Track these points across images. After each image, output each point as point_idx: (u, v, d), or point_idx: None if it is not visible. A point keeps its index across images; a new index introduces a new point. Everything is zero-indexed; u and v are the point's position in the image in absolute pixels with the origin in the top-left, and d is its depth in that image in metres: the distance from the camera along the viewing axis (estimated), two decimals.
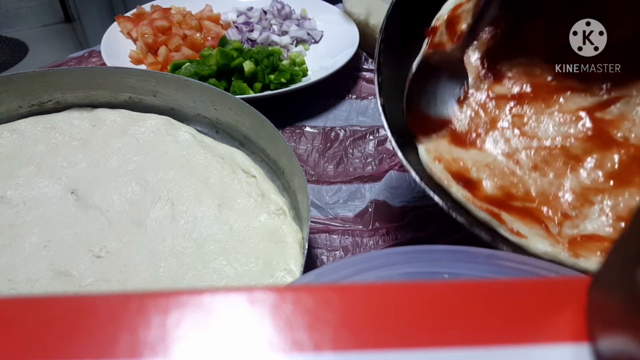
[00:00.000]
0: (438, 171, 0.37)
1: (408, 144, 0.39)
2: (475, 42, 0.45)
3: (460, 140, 0.40)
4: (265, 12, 0.81)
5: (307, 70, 0.70)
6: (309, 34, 0.79)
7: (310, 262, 0.47)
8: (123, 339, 0.14)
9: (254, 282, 0.39)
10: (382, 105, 0.39)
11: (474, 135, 0.40)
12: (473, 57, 0.44)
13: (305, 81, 0.66)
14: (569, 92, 0.41)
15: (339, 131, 0.63)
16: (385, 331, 0.15)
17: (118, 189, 0.46)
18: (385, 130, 0.38)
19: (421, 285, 0.16)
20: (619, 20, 0.41)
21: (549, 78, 0.42)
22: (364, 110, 0.67)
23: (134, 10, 0.80)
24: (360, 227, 0.51)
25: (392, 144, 0.37)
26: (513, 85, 0.42)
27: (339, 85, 0.71)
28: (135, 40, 0.75)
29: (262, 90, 0.65)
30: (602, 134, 0.38)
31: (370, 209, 0.52)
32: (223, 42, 0.70)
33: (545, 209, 0.35)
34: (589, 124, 0.39)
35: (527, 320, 0.15)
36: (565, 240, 0.33)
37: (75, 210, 0.44)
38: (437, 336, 0.15)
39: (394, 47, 0.42)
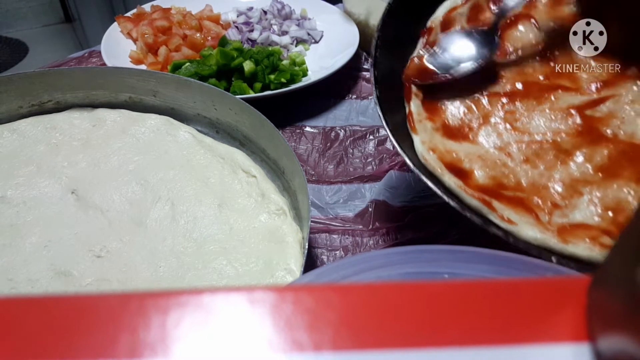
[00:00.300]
0: (432, 161, 0.38)
1: (404, 137, 0.40)
2: None
3: (454, 133, 0.41)
4: (265, 12, 0.81)
5: (307, 70, 0.70)
6: (309, 34, 0.79)
7: (311, 262, 0.47)
8: (123, 339, 0.14)
9: (254, 282, 0.39)
10: (378, 97, 0.40)
11: (467, 129, 0.41)
12: None
13: (305, 81, 0.66)
14: (560, 91, 0.42)
15: (339, 131, 0.63)
16: (385, 331, 0.15)
17: (118, 189, 0.46)
18: (380, 119, 0.39)
19: (421, 285, 0.16)
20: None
21: (541, 77, 0.43)
22: (364, 110, 0.67)
23: (134, 11, 0.80)
24: (361, 227, 0.51)
25: (386, 130, 0.38)
26: (506, 83, 0.43)
27: (339, 85, 0.71)
28: (135, 40, 0.75)
29: (262, 90, 0.65)
30: (592, 131, 0.39)
31: (370, 209, 0.52)
32: (223, 42, 0.70)
33: (535, 198, 0.36)
34: (579, 121, 0.40)
35: (527, 320, 0.15)
36: (554, 228, 0.34)
37: (75, 210, 0.44)
38: (437, 336, 0.15)
39: (390, 44, 0.43)
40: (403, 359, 0.14)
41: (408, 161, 0.36)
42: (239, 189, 0.47)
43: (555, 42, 0.44)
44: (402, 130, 0.41)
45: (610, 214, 0.34)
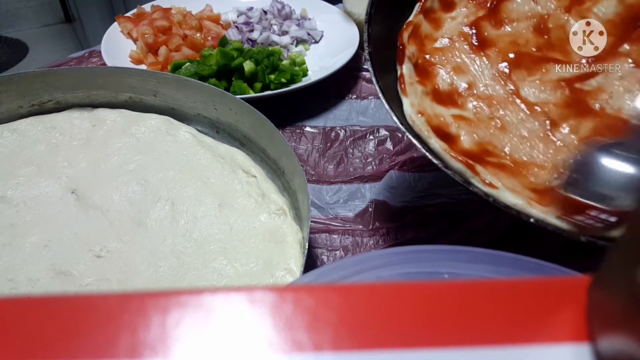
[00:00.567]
0: (419, 123, 0.39)
1: (393, 98, 0.41)
2: (464, 10, 0.46)
3: (443, 99, 0.41)
4: (265, 12, 0.81)
5: (307, 70, 0.70)
6: (309, 34, 0.79)
7: (311, 262, 0.47)
8: (123, 339, 0.14)
9: (254, 282, 0.39)
10: (370, 54, 0.40)
11: (456, 95, 0.42)
12: (462, 24, 0.46)
13: (305, 81, 0.66)
14: (551, 63, 0.42)
15: (339, 131, 0.63)
16: (385, 331, 0.15)
17: (118, 189, 0.46)
18: (371, 75, 0.39)
19: (421, 285, 0.16)
20: None
21: (534, 49, 0.44)
22: (364, 110, 0.67)
23: (135, 10, 0.80)
24: (361, 227, 0.51)
25: (376, 87, 0.39)
26: (498, 53, 0.44)
27: (339, 85, 0.71)
28: (135, 40, 0.75)
29: (262, 90, 0.65)
30: (580, 103, 0.40)
31: (370, 209, 0.52)
32: (223, 42, 0.70)
33: (519, 165, 0.37)
34: (568, 93, 0.40)
35: (527, 320, 0.15)
36: (536, 196, 0.35)
37: (75, 210, 0.44)
38: (437, 336, 0.15)
39: (386, 6, 0.44)
40: (403, 359, 0.14)
41: (396, 119, 0.37)
42: (239, 189, 0.47)
43: (550, 16, 0.45)
44: (391, 92, 0.41)
45: None
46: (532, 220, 0.32)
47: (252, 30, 0.77)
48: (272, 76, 0.65)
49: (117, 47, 0.73)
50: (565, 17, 0.44)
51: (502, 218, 0.49)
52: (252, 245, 0.42)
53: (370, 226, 0.51)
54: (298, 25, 0.80)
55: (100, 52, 0.70)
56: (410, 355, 0.14)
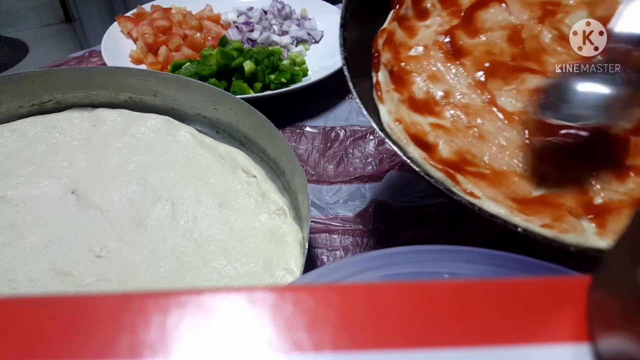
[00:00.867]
0: (397, 131, 0.38)
1: (369, 105, 0.40)
2: (438, 19, 0.46)
3: (419, 107, 0.41)
4: (265, 12, 0.81)
5: (307, 70, 0.70)
6: (309, 34, 0.79)
7: (311, 262, 0.47)
8: (123, 339, 0.14)
9: (254, 282, 0.39)
10: (346, 58, 0.40)
11: (432, 104, 0.41)
12: (437, 33, 0.45)
13: (305, 81, 0.66)
14: (527, 73, 0.42)
15: (339, 131, 0.63)
16: (385, 331, 0.15)
17: (118, 189, 0.46)
18: (347, 82, 0.39)
19: (421, 285, 0.16)
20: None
21: (508, 58, 0.44)
22: None
23: (135, 10, 0.80)
24: (361, 227, 0.51)
25: (353, 92, 0.38)
26: (473, 62, 0.43)
27: (339, 85, 0.71)
28: (135, 40, 0.75)
29: (262, 90, 0.65)
30: None
31: (370, 209, 0.52)
32: (223, 42, 0.70)
33: (499, 175, 0.37)
34: None
35: (527, 320, 0.15)
36: (517, 206, 0.34)
37: (75, 210, 0.44)
38: (437, 336, 0.15)
39: (360, 12, 0.44)
40: (403, 359, 0.14)
41: (374, 125, 0.36)
42: (239, 189, 0.47)
43: (524, 27, 0.45)
44: (367, 99, 0.40)
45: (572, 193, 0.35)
46: (519, 230, 0.32)
47: (252, 30, 0.77)
48: (272, 76, 0.65)
49: (117, 47, 0.73)
50: (539, 28, 0.44)
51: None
52: (252, 245, 0.42)
53: (370, 226, 0.51)
54: (298, 25, 0.80)
55: (100, 52, 0.70)
56: (410, 355, 0.14)
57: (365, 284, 0.22)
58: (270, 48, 0.72)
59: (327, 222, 0.51)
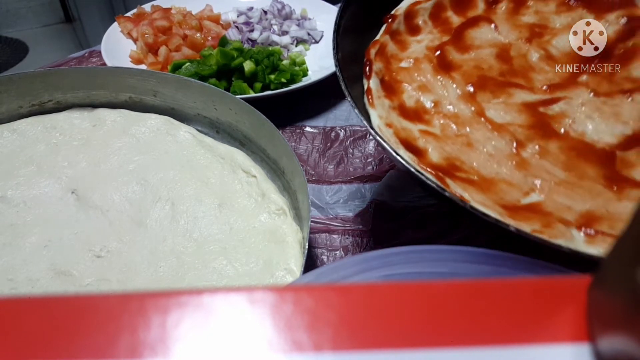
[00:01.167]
0: (388, 135, 0.39)
1: (362, 111, 0.40)
2: (429, 35, 0.48)
3: (409, 114, 0.42)
4: (265, 12, 0.81)
5: (307, 70, 0.70)
6: (309, 34, 0.79)
7: (311, 262, 0.47)
8: (123, 339, 0.14)
9: (254, 282, 0.39)
10: (338, 61, 0.41)
11: (422, 113, 0.42)
12: (427, 47, 0.47)
13: (305, 81, 0.66)
14: (515, 88, 0.43)
15: (339, 131, 0.63)
16: (385, 331, 0.15)
17: (118, 189, 0.46)
18: (340, 83, 0.40)
19: (421, 285, 0.16)
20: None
21: (497, 74, 0.45)
22: None
23: (135, 10, 0.80)
24: (361, 227, 0.51)
25: (346, 93, 0.39)
26: (462, 76, 0.44)
27: (339, 85, 0.71)
28: (135, 40, 0.75)
29: (262, 90, 0.65)
30: (545, 126, 0.41)
31: (370, 209, 0.52)
32: (223, 42, 0.70)
33: (488, 182, 0.37)
34: (532, 116, 0.41)
35: (527, 320, 0.15)
36: (508, 211, 0.35)
37: (75, 210, 0.44)
38: (437, 336, 0.15)
39: (354, 24, 0.45)
40: (403, 359, 0.14)
41: (369, 127, 0.36)
42: (239, 189, 0.47)
43: (512, 46, 0.46)
44: (359, 104, 0.41)
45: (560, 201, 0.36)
46: (512, 229, 0.31)
47: (252, 30, 0.77)
48: (272, 76, 0.65)
49: (117, 47, 0.73)
50: (527, 47, 0.46)
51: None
52: (252, 245, 0.42)
53: (370, 226, 0.51)
54: (298, 25, 0.80)
55: (100, 52, 0.70)
56: (410, 355, 0.14)
57: (365, 284, 0.22)
58: (270, 48, 0.72)
59: (327, 222, 0.51)
